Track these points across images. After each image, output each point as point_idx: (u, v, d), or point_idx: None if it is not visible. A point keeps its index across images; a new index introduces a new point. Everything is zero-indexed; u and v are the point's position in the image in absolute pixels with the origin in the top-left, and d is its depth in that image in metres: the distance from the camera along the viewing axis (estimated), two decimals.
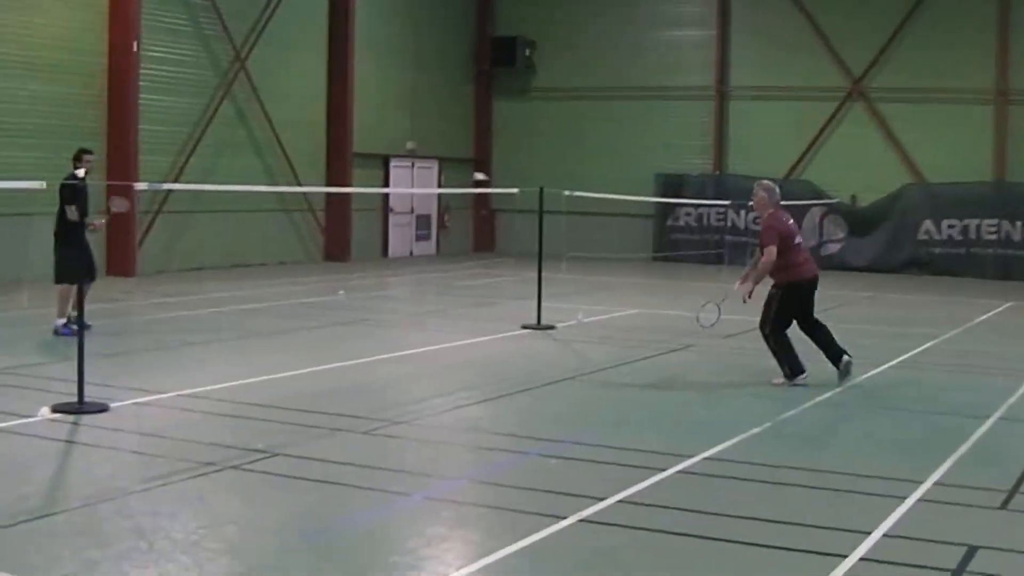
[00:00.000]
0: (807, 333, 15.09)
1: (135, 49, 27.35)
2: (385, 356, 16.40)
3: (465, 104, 40.29)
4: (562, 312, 20.67)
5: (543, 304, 19.82)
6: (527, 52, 39.37)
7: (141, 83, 27.70)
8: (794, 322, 14.93)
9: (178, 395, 13.04)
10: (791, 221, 15.27)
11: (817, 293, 15.19)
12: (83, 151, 17.28)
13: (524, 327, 19.43)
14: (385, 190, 35.37)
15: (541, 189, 20.22)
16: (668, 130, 37.50)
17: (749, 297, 14.73)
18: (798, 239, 15.10)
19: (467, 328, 19.57)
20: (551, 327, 19.44)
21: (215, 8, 29.96)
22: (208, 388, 13.48)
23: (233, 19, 30.48)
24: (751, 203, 15.73)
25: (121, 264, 26.74)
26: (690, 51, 37.50)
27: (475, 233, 40.67)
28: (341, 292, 24.81)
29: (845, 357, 14.83)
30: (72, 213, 16.51)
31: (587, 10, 38.61)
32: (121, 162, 26.21)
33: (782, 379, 14.61)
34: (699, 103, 37.29)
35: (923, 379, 15.88)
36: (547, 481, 9.77)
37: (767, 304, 14.83)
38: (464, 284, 28.47)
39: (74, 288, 16.26)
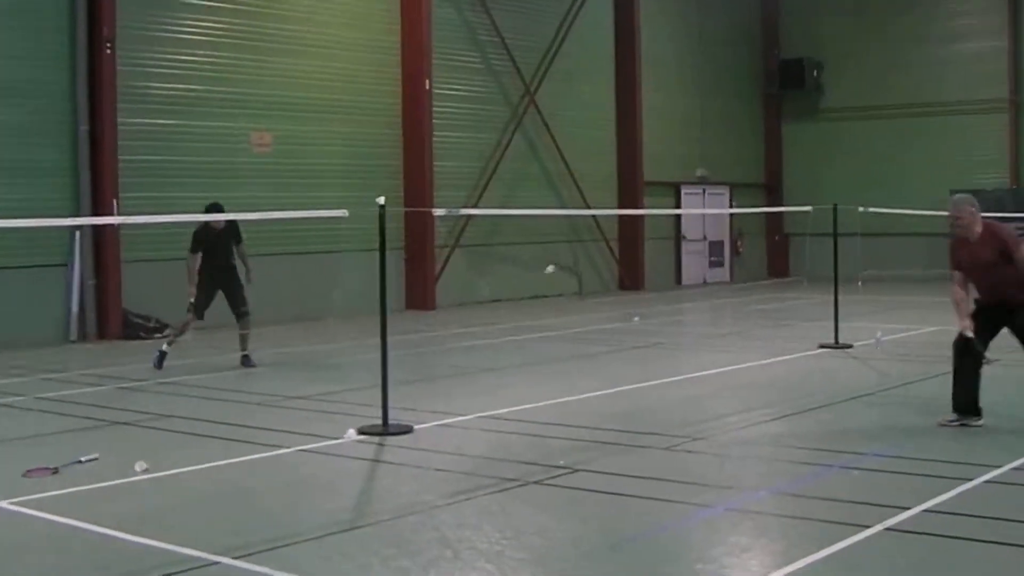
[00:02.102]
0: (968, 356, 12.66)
1: (427, 87, 27.97)
2: (682, 377, 16.39)
3: (754, 128, 40.09)
4: (859, 331, 20.34)
5: (840, 324, 19.57)
6: (815, 73, 39.01)
7: (434, 121, 28.32)
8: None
9: (479, 416, 13.28)
10: None
11: None
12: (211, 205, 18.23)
13: (821, 346, 19.20)
14: (675, 211, 35.37)
15: (835, 206, 19.97)
16: (961, 145, 36.66)
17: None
18: None
19: (763, 349, 19.43)
20: (849, 346, 19.16)
21: (504, 44, 30.47)
22: (508, 410, 13.67)
23: (521, 53, 30.95)
24: (957, 221, 12.57)
25: (420, 298, 27.31)
26: (981, 63, 36.60)
27: (769, 258, 40.36)
28: (636, 318, 24.89)
29: (981, 420, 12.54)
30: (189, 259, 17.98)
31: (873, 28, 38.09)
32: (418, 198, 26.80)
33: (952, 416, 12.61)
34: (992, 116, 36.35)
35: None
36: (850, 492, 9.61)
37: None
38: (759, 307, 28.27)
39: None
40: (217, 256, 18.03)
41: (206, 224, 17.71)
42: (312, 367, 18.22)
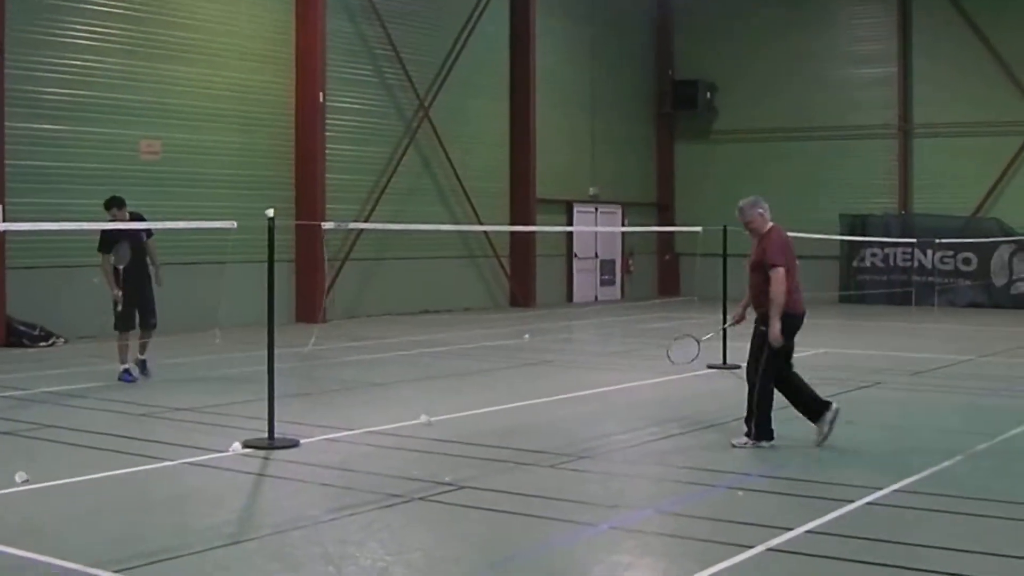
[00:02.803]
0: (780, 380, 12.97)
1: (320, 100, 27.86)
2: (570, 395, 16.42)
3: (647, 148, 40.36)
4: (747, 352, 20.44)
5: (728, 344, 19.68)
6: (708, 95, 39.34)
7: (327, 133, 28.23)
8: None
9: (366, 432, 13.22)
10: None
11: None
12: (109, 200, 17.81)
13: (710, 367, 19.29)
14: (567, 228, 35.46)
15: (725, 227, 20.13)
16: (851, 169, 37.13)
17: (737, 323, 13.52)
18: (796, 262, 13.01)
19: (652, 368, 19.50)
20: (737, 366, 19.25)
21: (399, 58, 30.44)
22: (396, 425, 13.63)
23: (416, 68, 30.94)
24: (747, 225, 13.06)
25: (309, 310, 27.16)
26: (871, 89, 37.10)
27: (660, 277, 40.60)
28: (526, 335, 24.92)
29: (833, 405, 12.84)
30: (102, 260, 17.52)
31: (767, 51, 38.54)
32: (309, 210, 26.68)
33: (745, 439, 12.70)
34: (882, 141, 36.87)
35: None
36: (735, 512, 9.68)
37: (757, 345, 12.83)
38: (649, 326, 28.41)
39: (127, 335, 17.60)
40: (123, 255, 17.46)
41: (112, 219, 17.30)
42: (199, 379, 18.03)
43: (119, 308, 17.36)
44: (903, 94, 36.54)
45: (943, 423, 14.65)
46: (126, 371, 17.41)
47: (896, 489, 10.42)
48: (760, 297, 12.76)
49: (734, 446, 12.65)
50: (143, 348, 17.84)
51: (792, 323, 12.82)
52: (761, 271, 12.74)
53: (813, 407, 12.90)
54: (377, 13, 29.97)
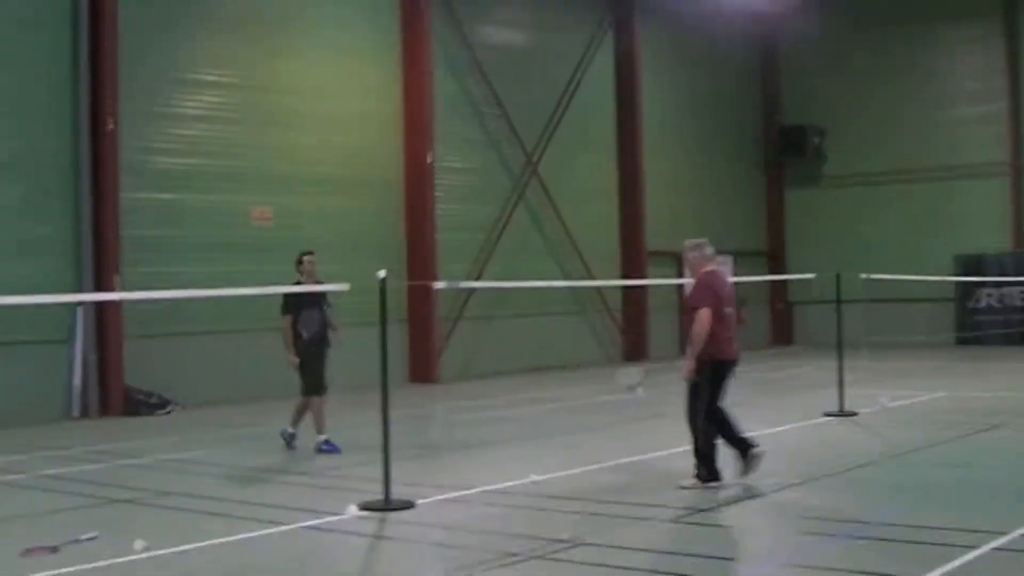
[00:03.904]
0: (712, 418, 13.11)
1: (429, 160, 28.02)
2: (684, 448, 16.25)
3: (756, 195, 40.17)
4: (864, 398, 20.27)
5: (845, 391, 19.48)
6: (816, 140, 39.09)
7: (437, 193, 28.37)
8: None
9: (482, 491, 13.17)
10: (729, 285, 13.57)
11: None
12: (303, 253, 17.19)
13: (826, 414, 19.10)
14: (678, 281, 35.24)
15: (838, 273, 19.93)
16: (963, 209, 36.67)
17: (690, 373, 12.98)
18: (729, 308, 13.17)
19: (768, 418, 19.30)
20: (854, 413, 19.07)
21: (506, 115, 30.56)
22: (511, 483, 13.56)
23: (523, 124, 31.05)
24: (687, 265, 13.60)
25: (423, 370, 27.25)
26: (981, 127, 36.69)
27: (773, 326, 40.30)
28: (640, 390, 24.73)
29: (755, 449, 13.04)
30: (282, 322, 16.82)
31: (874, 94, 38.25)
32: (420, 270, 26.79)
33: (693, 481, 12.91)
34: (993, 179, 36.37)
35: None
36: (858, 562, 9.51)
37: (693, 393, 13.06)
38: (763, 376, 28.17)
39: (310, 400, 16.82)
40: (313, 320, 16.91)
41: (298, 281, 16.90)
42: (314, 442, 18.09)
43: (308, 374, 16.85)
44: (1014, 130, 36.09)
45: None
46: (326, 441, 16.71)
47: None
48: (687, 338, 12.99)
49: (683, 487, 12.85)
50: (302, 416, 17.20)
51: (720, 368, 13.02)
52: (690, 321, 13.00)
53: (740, 445, 13.11)
54: (482, 71, 30.14)
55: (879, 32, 38.28)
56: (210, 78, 24.65)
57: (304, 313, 16.72)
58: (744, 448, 13.07)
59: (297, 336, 16.76)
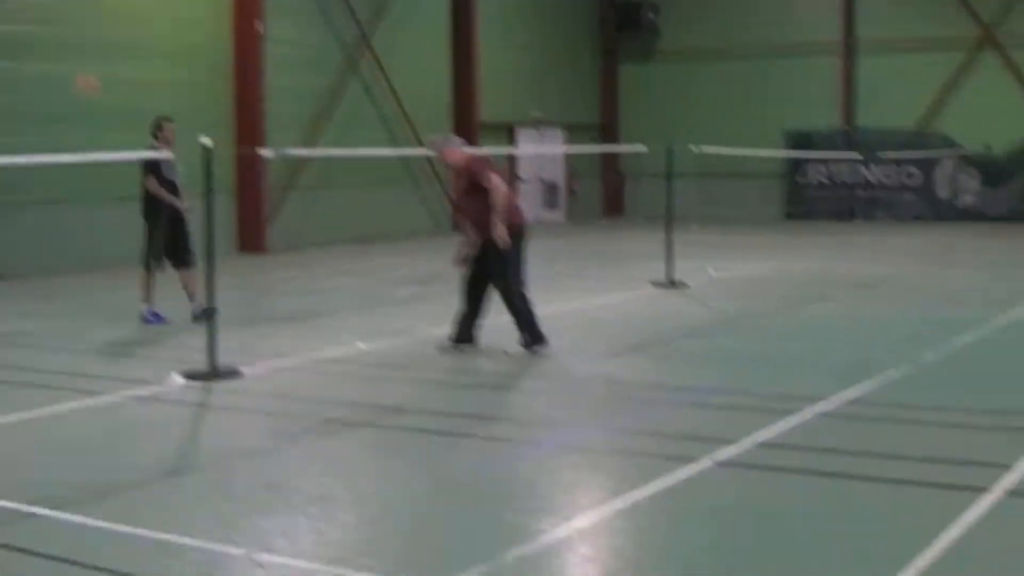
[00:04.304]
0: (476, 293, 13.44)
1: (259, 30, 27.48)
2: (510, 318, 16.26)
3: (590, 70, 40.06)
4: (693, 270, 20.45)
5: (674, 263, 19.63)
6: (651, 16, 39.04)
7: (267, 63, 27.86)
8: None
9: (309, 359, 13.08)
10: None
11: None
12: (162, 119, 16.43)
13: (654, 285, 19.25)
14: (509, 150, 35.14)
15: (669, 146, 20.02)
16: (795, 87, 36.89)
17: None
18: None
19: (597, 288, 19.47)
20: (682, 284, 19.24)
21: None
22: (339, 352, 13.48)
23: None
24: (449, 162, 13.59)
25: (251, 240, 26.92)
26: (815, 5, 36.87)
27: (604, 199, 40.45)
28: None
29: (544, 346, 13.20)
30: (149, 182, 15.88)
31: None
32: (250, 142, 26.35)
33: (523, 347, 13.18)
34: (826, 58, 36.60)
35: None
36: (681, 427, 9.62)
37: (500, 257, 13.02)
38: (593, 247, 28.37)
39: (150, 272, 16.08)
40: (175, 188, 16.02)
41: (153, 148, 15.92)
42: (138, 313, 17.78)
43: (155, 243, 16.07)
44: (846, 9, 36.33)
45: (891, 333, 14.65)
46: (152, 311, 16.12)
47: (845, 400, 10.39)
48: (482, 220, 12.92)
49: (507, 353, 13.08)
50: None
51: (521, 233, 13.19)
52: (476, 195, 12.97)
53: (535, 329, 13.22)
54: None
55: None
56: None
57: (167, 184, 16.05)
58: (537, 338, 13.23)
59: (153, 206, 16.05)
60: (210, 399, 11.12)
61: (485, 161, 13.52)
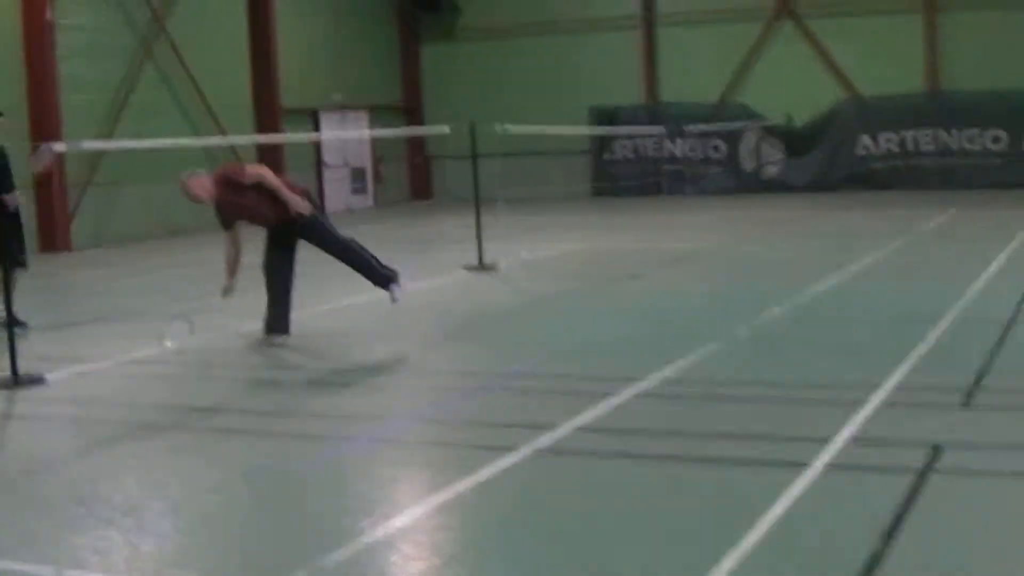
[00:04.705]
0: (282, 280, 13.59)
1: (49, 18, 26.80)
2: (325, 307, 16.05)
3: (391, 50, 39.81)
4: (503, 252, 20.38)
5: (484, 245, 19.56)
6: None
7: (58, 52, 27.17)
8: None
9: (117, 362, 12.71)
10: None
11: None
12: None
13: (465, 268, 19.16)
14: (312, 136, 34.75)
15: (473, 125, 19.92)
16: (598, 63, 37.04)
17: None
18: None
19: (407, 274, 19.24)
20: (492, 267, 19.18)
21: None
22: (147, 353, 13.14)
23: None
24: (197, 196, 13.27)
25: (52, 238, 26.26)
26: None
27: (411, 182, 40.27)
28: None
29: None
30: None
31: None
32: (44, 133, 25.68)
33: (398, 288, 13.81)
34: (627, 32, 36.80)
35: (871, 289, 15.76)
36: (498, 415, 9.53)
37: (312, 226, 13.23)
38: (402, 232, 28.20)
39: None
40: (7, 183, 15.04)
41: None
42: None
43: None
44: None
45: (702, 309, 14.76)
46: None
47: (662, 379, 10.39)
48: (269, 208, 13.03)
49: (396, 301, 13.68)
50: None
51: (307, 195, 13.39)
52: (245, 196, 13.03)
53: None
54: None
55: None
56: None
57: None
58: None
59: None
60: (12, 408, 10.73)
61: (230, 164, 13.83)
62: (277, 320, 13.29)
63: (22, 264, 15.19)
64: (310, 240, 13.33)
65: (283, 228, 13.18)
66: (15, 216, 15.13)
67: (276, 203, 12.95)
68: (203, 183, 13.12)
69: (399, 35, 39.97)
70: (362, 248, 13.59)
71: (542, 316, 14.82)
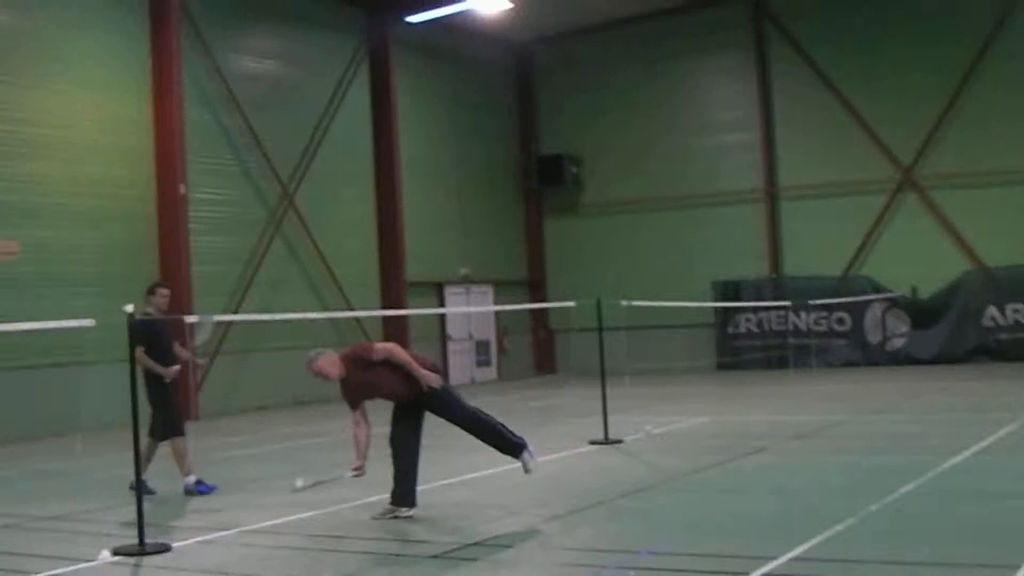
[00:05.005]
0: (408, 453, 13.50)
1: (182, 192, 27.41)
2: (452, 480, 15.99)
3: (516, 225, 40.23)
4: (629, 425, 20.28)
5: (609, 419, 19.46)
6: (574, 169, 39.34)
7: (191, 225, 27.77)
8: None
9: (242, 531, 12.74)
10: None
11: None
12: (156, 285, 16.49)
13: (592, 443, 19.03)
14: (438, 311, 35.04)
15: (599, 300, 19.92)
16: (721, 236, 37.21)
17: None
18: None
19: (534, 448, 19.15)
20: (619, 441, 19.04)
21: (260, 147, 30.09)
22: (274, 523, 13.16)
23: (279, 156, 30.67)
24: (326, 374, 13.35)
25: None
26: (736, 155, 37.32)
27: (536, 355, 40.37)
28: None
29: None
30: (141, 357, 15.27)
31: (630, 123, 38.66)
32: (176, 304, 26.05)
33: (530, 458, 13.76)
34: (749, 206, 36.97)
35: (1008, 463, 15.35)
36: None
37: (441, 398, 13.30)
38: (527, 405, 28.13)
39: (175, 442, 15.76)
40: (168, 355, 15.86)
41: (147, 314, 15.75)
42: (64, 485, 17.37)
43: (170, 414, 15.82)
44: (767, 158, 36.72)
45: (831, 486, 14.43)
46: (199, 481, 15.79)
47: (792, 558, 10.13)
48: (402, 387, 13.16)
49: (529, 470, 13.65)
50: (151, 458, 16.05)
51: (435, 368, 13.39)
52: (381, 372, 13.15)
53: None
54: (236, 102, 29.65)
55: (634, 61, 38.76)
56: None
57: (160, 351, 15.73)
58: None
59: (153, 374, 15.66)
60: None
61: (359, 344, 13.77)
62: (404, 493, 13.22)
63: (182, 433, 15.77)
64: (437, 412, 13.34)
65: (411, 401, 13.20)
66: (173, 386, 15.65)
67: (407, 378, 13.01)
68: (332, 360, 13.21)
69: (523, 210, 40.34)
70: (489, 417, 13.53)
71: (669, 493, 14.59)
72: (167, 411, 15.82)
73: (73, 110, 26.06)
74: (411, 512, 13.14)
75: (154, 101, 27.66)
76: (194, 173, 28.14)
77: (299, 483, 13.27)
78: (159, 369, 15.61)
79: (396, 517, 13.03)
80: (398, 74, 34.72)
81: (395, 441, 13.34)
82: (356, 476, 13.24)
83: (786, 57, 36.51)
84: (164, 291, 16.45)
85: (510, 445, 13.57)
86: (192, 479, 15.81)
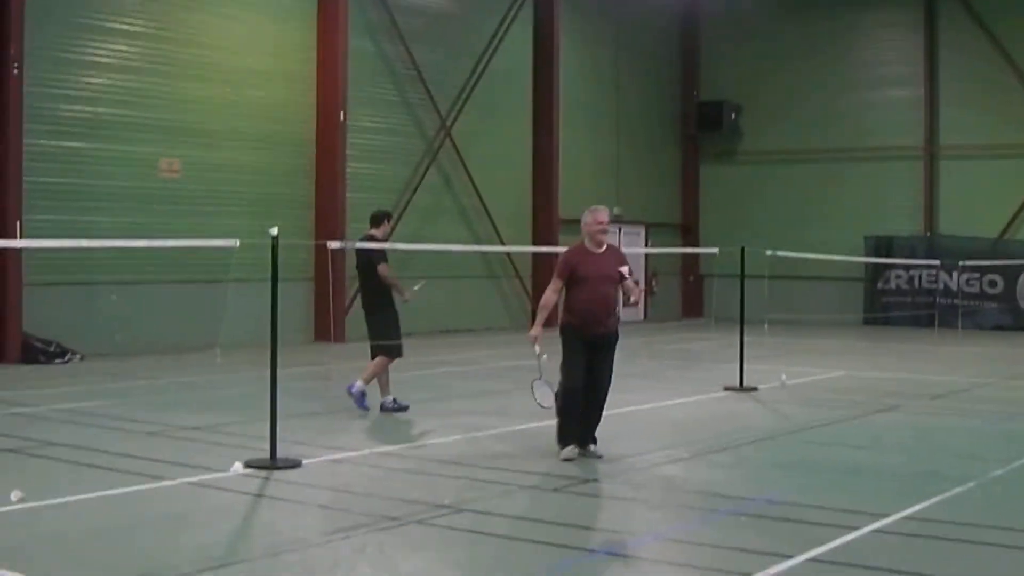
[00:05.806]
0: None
1: (342, 119, 27.80)
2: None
3: (671, 169, 40.17)
4: (766, 374, 20.33)
5: (747, 367, 19.54)
6: (733, 116, 39.15)
7: (348, 152, 28.14)
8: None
9: (372, 452, 13.12)
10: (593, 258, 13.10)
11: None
12: (386, 214, 17.04)
13: (726, 389, 19.13)
14: None
15: (743, 249, 19.93)
16: (877, 192, 36.84)
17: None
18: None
19: (669, 390, 19.35)
20: (753, 388, 19.11)
21: (421, 78, 30.37)
22: (403, 446, 13.53)
23: (438, 88, 30.88)
24: (602, 226, 13.05)
25: (327, 330, 27.01)
26: (898, 111, 36.85)
27: (683, 299, 40.38)
28: (544, 356, 24.69)
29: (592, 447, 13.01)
30: (385, 271, 16.17)
31: (793, 73, 38.32)
32: (328, 230, 26.57)
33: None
34: (908, 163, 36.54)
35: None
36: (736, 539, 9.47)
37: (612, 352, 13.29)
38: (670, 348, 28.25)
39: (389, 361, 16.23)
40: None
41: (371, 236, 16.57)
42: (211, 397, 17.91)
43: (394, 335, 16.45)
44: (930, 116, 36.24)
45: (960, 448, 14.41)
46: (394, 400, 16.39)
47: (905, 516, 10.20)
48: (611, 311, 13.08)
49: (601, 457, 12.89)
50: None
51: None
52: (614, 282, 13.04)
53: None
54: (400, 33, 29.93)
55: (801, 12, 38.43)
56: (121, 26, 24.22)
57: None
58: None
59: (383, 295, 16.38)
60: (266, 489, 11.12)
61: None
62: (561, 431, 13.00)
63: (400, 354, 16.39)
64: (605, 358, 13.25)
65: (601, 332, 13.10)
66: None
67: (616, 306, 13.07)
68: (602, 219, 13.01)
69: (680, 154, 40.27)
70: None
71: (795, 443, 14.66)
72: (398, 329, 16.46)
73: (238, 33, 26.50)
74: (573, 451, 12.86)
75: (319, 28, 28.02)
76: (354, 101, 28.51)
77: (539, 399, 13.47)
78: (401, 288, 16.32)
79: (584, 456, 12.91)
80: (561, 12, 34.73)
81: (566, 377, 13.11)
82: (536, 345, 13.16)
83: (955, 14, 35.90)
84: (391, 221, 17.15)
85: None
86: (390, 398, 16.30)
